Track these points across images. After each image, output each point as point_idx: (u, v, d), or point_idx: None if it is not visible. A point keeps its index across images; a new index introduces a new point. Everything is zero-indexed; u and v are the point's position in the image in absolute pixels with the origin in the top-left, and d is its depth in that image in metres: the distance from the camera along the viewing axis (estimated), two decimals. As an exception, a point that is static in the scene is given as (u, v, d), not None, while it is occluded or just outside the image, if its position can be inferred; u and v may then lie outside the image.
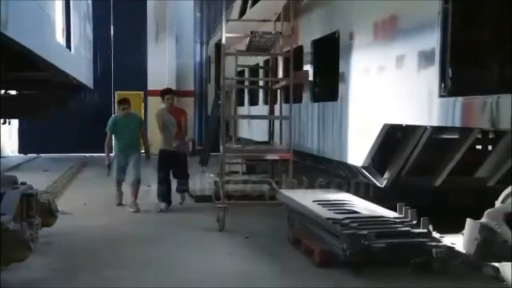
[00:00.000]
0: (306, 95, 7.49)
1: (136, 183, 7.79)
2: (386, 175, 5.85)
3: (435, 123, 4.29)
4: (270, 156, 7.05)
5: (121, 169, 7.90)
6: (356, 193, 6.31)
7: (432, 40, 4.23)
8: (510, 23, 4.02)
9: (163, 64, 17.49)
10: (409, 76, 4.66)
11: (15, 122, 16.17)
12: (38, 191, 5.03)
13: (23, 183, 5.09)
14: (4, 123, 7.16)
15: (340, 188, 6.68)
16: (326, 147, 6.78)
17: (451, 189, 5.95)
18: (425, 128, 5.15)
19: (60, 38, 5.19)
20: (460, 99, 3.90)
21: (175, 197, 8.10)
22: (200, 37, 18.90)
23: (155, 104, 17.44)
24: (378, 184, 5.90)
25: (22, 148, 17.60)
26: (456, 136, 5.58)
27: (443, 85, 4.14)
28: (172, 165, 7.83)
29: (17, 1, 2.70)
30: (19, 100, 5.31)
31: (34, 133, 16.85)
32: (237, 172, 10.67)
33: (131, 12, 17.58)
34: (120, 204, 7.99)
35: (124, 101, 7.94)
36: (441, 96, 4.16)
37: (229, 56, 7.48)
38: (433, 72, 4.24)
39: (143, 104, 17.78)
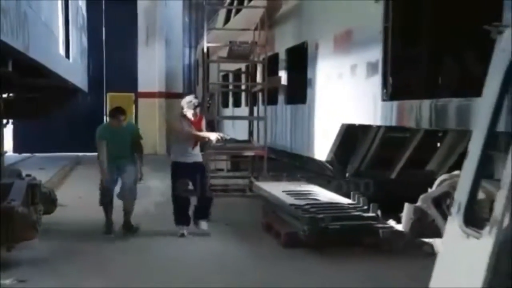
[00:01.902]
0: (281, 98, 8.28)
1: (133, 202, 6.47)
2: (348, 168, 6.64)
3: (378, 122, 5.09)
4: (247, 153, 7.84)
5: (110, 186, 6.36)
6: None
7: (376, 53, 5.03)
8: (441, 40, 4.83)
9: (153, 67, 18.24)
10: (360, 83, 5.46)
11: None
12: (41, 182, 5.79)
13: (28, 175, 5.87)
14: (7, 123, 7.79)
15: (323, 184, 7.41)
16: (298, 145, 7.57)
17: (405, 181, 6.74)
18: (378, 127, 5.94)
19: (61, 49, 5.96)
20: (395, 103, 4.70)
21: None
22: (189, 41, 19.68)
23: (146, 105, 18.36)
24: (340, 176, 6.70)
25: (16, 148, 18.26)
26: (406, 135, 6.37)
27: (384, 91, 4.94)
28: (191, 179, 6.30)
29: (32, 27, 3.45)
30: (23, 103, 6.02)
31: (28, 133, 17.52)
32: (222, 170, 11.47)
33: (123, 17, 18.30)
34: (108, 232, 6.31)
35: (119, 111, 6.50)
36: (383, 100, 4.96)
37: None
38: (377, 80, 5.04)
39: (134, 105, 18.54)
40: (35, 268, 4.86)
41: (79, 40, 7.72)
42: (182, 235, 6.21)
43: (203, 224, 6.31)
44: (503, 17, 3.24)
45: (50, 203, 6.18)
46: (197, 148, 6.42)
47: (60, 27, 5.69)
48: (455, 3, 4.56)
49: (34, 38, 3.51)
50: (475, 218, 2.86)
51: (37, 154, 17.57)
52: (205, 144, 7.12)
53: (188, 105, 6.25)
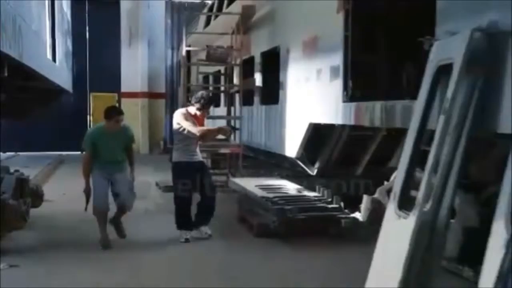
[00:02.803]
0: (256, 99, 8.77)
1: (124, 210, 5.90)
2: (317, 165, 7.15)
3: (340, 122, 5.60)
4: (224, 150, 8.30)
5: (103, 194, 5.65)
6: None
7: (338, 59, 5.54)
8: (396, 48, 5.35)
9: (136, 67, 18.62)
10: (324, 86, 5.96)
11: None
12: (28, 177, 6.21)
13: (16, 171, 6.28)
14: (-1, 123, 8.15)
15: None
16: (271, 143, 8.06)
17: (369, 176, 7.27)
18: (343, 126, 6.45)
19: (48, 54, 6.39)
20: (353, 104, 5.21)
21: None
22: (171, 42, 20.06)
23: (128, 105, 18.69)
24: (310, 172, 7.21)
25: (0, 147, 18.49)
26: (370, 133, 6.90)
27: (345, 93, 5.45)
28: (194, 180, 5.91)
29: (25, 37, 3.89)
30: (10, 104, 6.42)
31: (11, 133, 17.78)
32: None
33: (106, 18, 18.66)
34: (106, 246, 5.62)
35: (117, 111, 5.79)
36: (344, 101, 5.47)
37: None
38: (339, 83, 5.55)
39: (116, 105, 18.87)
40: (25, 255, 5.27)
41: (64, 44, 8.14)
42: (187, 240, 5.85)
43: (206, 229, 6.00)
44: (435, 31, 3.75)
45: (37, 197, 6.60)
46: (198, 147, 6.10)
47: (47, 34, 6.13)
48: (402, 17, 5.08)
49: (26, 46, 3.96)
50: (407, 204, 3.37)
51: (21, 153, 17.84)
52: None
53: (196, 100, 5.91)
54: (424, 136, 3.55)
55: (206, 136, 6.08)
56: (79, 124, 18.54)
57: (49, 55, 6.36)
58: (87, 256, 5.35)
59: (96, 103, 19.13)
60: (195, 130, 5.82)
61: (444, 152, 3.24)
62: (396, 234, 3.26)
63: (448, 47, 3.33)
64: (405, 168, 3.49)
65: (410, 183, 3.48)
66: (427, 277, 3.15)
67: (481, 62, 3.11)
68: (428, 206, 3.14)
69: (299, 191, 6.57)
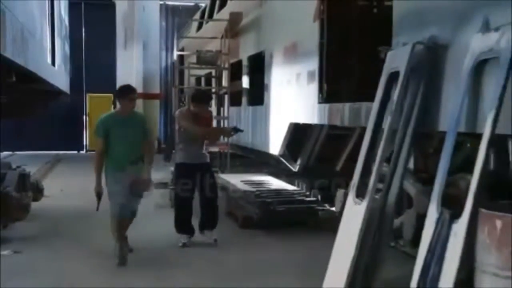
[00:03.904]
0: (244, 100, 9.28)
1: (131, 216, 5.20)
2: (298, 162, 7.66)
3: (316, 121, 6.12)
4: (212, 148, 8.80)
5: (122, 199, 4.98)
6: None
7: (314, 64, 6.05)
8: (367, 54, 5.85)
9: (131, 68, 19.07)
10: (303, 88, 6.47)
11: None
12: (30, 173, 6.71)
13: (18, 167, 6.78)
14: (-1, 123, 8.63)
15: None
16: (258, 141, 8.56)
17: (347, 173, 7.78)
18: (322, 125, 6.95)
19: (48, 58, 6.89)
20: (327, 105, 5.73)
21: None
22: (166, 44, 20.56)
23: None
24: (292, 169, 7.72)
25: (-4, 146, 18.93)
26: (347, 132, 7.41)
27: (320, 95, 5.96)
28: (196, 182, 5.68)
29: (30, 45, 4.39)
30: (13, 104, 6.92)
31: (8, 132, 18.22)
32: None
33: (101, 20, 19.13)
34: (123, 262, 4.95)
35: (130, 88, 5.26)
36: (319, 103, 5.98)
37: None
38: (315, 86, 6.06)
39: (112, 106, 19.36)
40: (27, 243, 5.77)
41: (62, 48, 8.65)
42: (184, 245, 5.64)
43: (212, 233, 5.80)
44: (392, 42, 4.27)
45: (37, 191, 7.09)
46: (204, 148, 5.87)
47: (48, 41, 6.64)
48: (373, 27, 5.60)
49: (30, 54, 4.48)
50: (363, 192, 3.88)
51: (18, 152, 18.27)
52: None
53: (189, 97, 5.77)
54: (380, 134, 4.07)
55: (210, 137, 5.94)
56: (75, 124, 19.05)
57: (49, 60, 6.88)
58: (84, 244, 5.86)
59: (92, 103, 19.63)
60: (194, 130, 5.64)
61: (392, 147, 3.77)
62: (353, 218, 3.78)
63: (397, 57, 3.85)
64: (362, 162, 4.01)
65: (366, 175, 4.00)
66: (376, 253, 3.67)
67: (422, 70, 3.63)
68: (378, 194, 3.67)
69: (280, 186, 7.09)
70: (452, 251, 2.90)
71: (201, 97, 6.00)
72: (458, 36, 3.42)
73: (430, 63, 3.59)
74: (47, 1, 6.78)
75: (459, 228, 2.89)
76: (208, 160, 5.95)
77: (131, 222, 5.26)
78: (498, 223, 2.65)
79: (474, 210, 2.83)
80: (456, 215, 2.97)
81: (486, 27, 3.07)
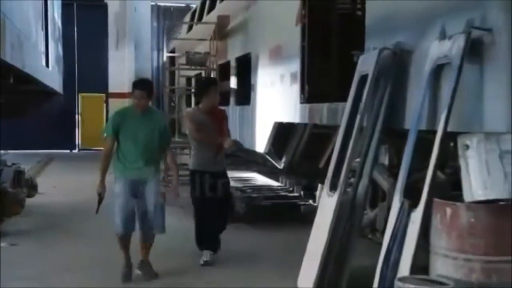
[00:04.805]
0: (232, 100, 9.59)
1: (152, 235, 4.63)
2: (283, 159, 7.99)
3: (298, 120, 6.45)
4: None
5: (128, 211, 4.48)
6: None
7: (297, 66, 6.37)
8: (346, 57, 6.18)
9: (123, 68, 19.34)
10: (286, 89, 6.79)
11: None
12: (24, 170, 6.99)
13: (14, 164, 7.06)
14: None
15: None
16: (244, 140, 8.87)
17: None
18: (305, 124, 7.27)
19: (43, 60, 7.18)
20: (308, 105, 6.05)
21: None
22: (157, 44, 20.84)
23: (116, 105, 19.32)
24: (278, 166, 8.04)
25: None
26: (328, 131, 7.74)
27: (302, 96, 6.29)
28: (212, 191, 5.16)
29: (26, 50, 4.68)
30: (8, 104, 7.19)
31: (1, 132, 18.40)
32: (186, 164, 12.75)
33: (93, 21, 19.37)
34: (128, 278, 4.59)
35: (144, 84, 4.63)
36: (301, 103, 6.31)
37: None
38: (297, 87, 6.38)
39: (104, 105, 19.64)
40: (22, 236, 6.06)
41: (56, 50, 8.93)
42: (206, 263, 5.04)
43: (209, 254, 5.12)
44: (365, 46, 4.60)
45: (32, 188, 7.38)
46: (221, 153, 5.25)
47: (42, 43, 6.93)
48: (351, 31, 5.91)
49: (27, 57, 4.76)
50: (336, 186, 4.20)
51: (10, 151, 18.45)
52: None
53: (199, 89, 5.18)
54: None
55: (208, 141, 5.17)
56: (68, 124, 19.28)
57: (43, 62, 7.17)
58: (77, 237, 6.15)
59: (85, 103, 19.88)
60: (197, 137, 5.11)
61: (362, 144, 4.10)
62: (326, 209, 4.11)
63: (366, 61, 4.18)
64: (336, 158, 4.34)
65: (340, 170, 4.32)
66: (347, 241, 4.00)
67: (389, 73, 3.96)
68: (348, 187, 4.00)
69: (265, 182, 7.42)
70: (410, 237, 3.23)
71: (208, 83, 5.48)
72: (420, 43, 3.75)
73: (396, 66, 3.92)
74: (41, 4, 7.07)
75: (416, 216, 3.22)
76: (225, 167, 5.35)
77: (153, 240, 4.64)
78: (448, 211, 2.98)
79: (429, 200, 3.16)
80: (414, 205, 3.31)
81: (442, 36, 3.40)
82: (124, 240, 4.59)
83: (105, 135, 4.52)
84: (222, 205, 5.28)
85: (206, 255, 5.11)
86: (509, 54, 2.97)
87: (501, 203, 2.83)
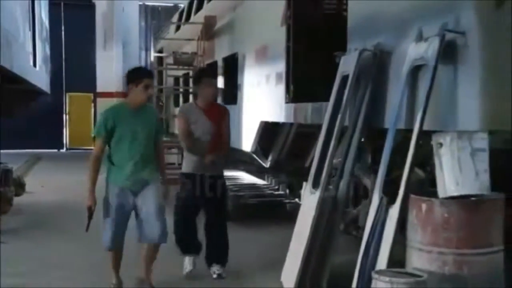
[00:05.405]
0: (219, 99, 9.68)
1: (157, 244, 4.13)
2: (270, 158, 8.10)
3: (283, 120, 6.56)
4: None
5: (118, 224, 3.98)
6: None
7: (282, 66, 6.48)
8: (330, 57, 6.30)
9: (111, 68, 19.34)
10: (272, 89, 6.90)
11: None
12: (12, 168, 7.04)
13: (1, 163, 7.10)
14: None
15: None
16: (232, 139, 8.95)
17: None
18: (291, 124, 7.39)
19: (30, 60, 7.23)
20: (293, 105, 6.17)
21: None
22: (145, 44, 20.87)
23: (104, 105, 19.22)
24: (264, 165, 8.15)
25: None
26: (313, 130, 7.85)
27: (287, 95, 6.40)
28: (202, 200, 4.61)
29: (14, 50, 4.73)
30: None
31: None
32: (173, 164, 12.83)
33: (81, 21, 19.37)
34: None
35: (146, 72, 4.19)
36: (286, 102, 6.42)
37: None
38: (283, 87, 6.50)
39: (92, 105, 19.64)
40: (11, 234, 6.11)
41: (43, 50, 8.97)
42: (190, 272, 4.64)
43: (218, 268, 4.65)
44: (347, 47, 4.72)
45: (20, 187, 7.43)
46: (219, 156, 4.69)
47: (29, 44, 6.98)
48: (336, 32, 6.03)
49: (15, 57, 4.82)
50: (318, 183, 4.32)
51: (-3, 151, 18.44)
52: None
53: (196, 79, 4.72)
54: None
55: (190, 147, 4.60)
56: (55, 123, 19.26)
57: (30, 61, 7.21)
58: (65, 235, 6.22)
59: (72, 102, 19.86)
60: (184, 141, 4.59)
61: (343, 142, 4.23)
62: (309, 206, 4.22)
63: (347, 62, 4.31)
64: (318, 156, 4.46)
65: (322, 168, 4.43)
66: (329, 237, 4.12)
67: (369, 74, 4.09)
68: (330, 184, 4.12)
69: (252, 181, 7.53)
70: (388, 232, 3.35)
71: (199, 75, 4.98)
72: (399, 44, 3.87)
73: (376, 67, 4.05)
74: (28, 4, 7.11)
75: (394, 211, 3.34)
76: (222, 171, 4.74)
77: (157, 252, 4.15)
78: (424, 206, 3.11)
79: (405, 196, 3.28)
80: (393, 201, 3.43)
81: (419, 38, 3.53)
82: (117, 254, 4.05)
83: (95, 136, 3.91)
84: (215, 224, 4.71)
85: (188, 265, 4.67)
86: (480, 55, 3.10)
87: (472, 198, 2.96)
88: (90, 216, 3.88)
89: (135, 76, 4.01)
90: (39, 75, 8.19)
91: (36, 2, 7.90)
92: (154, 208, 4.00)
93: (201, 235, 4.81)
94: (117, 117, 3.93)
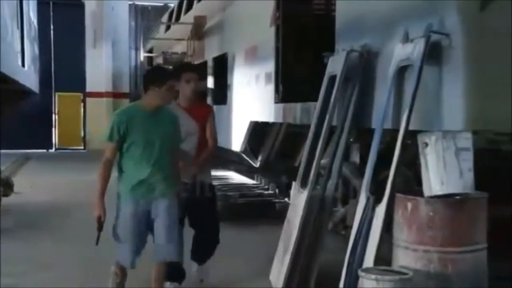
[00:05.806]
0: (209, 99, 9.70)
1: (167, 262, 3.75)
2: (259, 158, 8.13)
3: (273, 120, 6.59)
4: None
5: (136, 240, 3.61)
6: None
7: (271, 66, 6.51)
8: (319, 57, 6.34)
9: (100, 67, 19.28)
10: (261, 89, 6.93)
11: None
12: (0, 168, 7.01)
13: (-11, 164, 7.07)
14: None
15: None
16: (222, 139, 8.98)
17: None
18: (281, 123, 7.42)
19: (19, 60, 7.20)
20: (282, 105, 6.20)
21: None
22: (135, 43, 20.81)
23: (94, 105, 19.33)
24: (254, 164, 8.17)
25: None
26: (303, 130, 7.90)
27: (276, 95, 6.43)
28: (189, 209, 4.10)
29: (2, 51, 4.74)
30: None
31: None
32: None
33: (70, 20, 19.27)
34: None
35: (169, 73, 4.04)
36: (275, 102, 6.45)
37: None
38: (272, 87, 6.53)
39: (81, 104, 19.57)
40: (3, 235, 6.09)
41: (32, 50, 8.93)
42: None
43: (198, 269, 4.40)
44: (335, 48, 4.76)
45: (8, 187, 7.40)
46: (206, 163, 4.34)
47: (18, 43, 6.96)
48: (324, 32, 6.07)
49: (3, 57, 4.83)
50: (306, 182, 4.35)
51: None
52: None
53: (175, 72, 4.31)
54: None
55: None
56: (44, 123, 19.15)
57: (19, 61, 7.19)
58: (55, 235, 6.22)
59: (61, 102, 19.76)
60: None
61: (331, 142, 4.27)
62: (297, 205, 4.26)
63: (335, 62, 4.35)
64: (307, 156, 4.49)
65: (311, 168, 4.47)
66: (317, 236, 4.16)
67: (356, 74, 4.13)
68: (317, 183, 4.15)
69: (241, 180, 7.55)
70: (374, 230, 3.40)
71: (177, 69, 4.51)
72: (386, 45, 3.92)
73: (363, 68, 4.09)
74: (16, 4, 7.08)
75: (380, 210, 3.39)
76: (210, 179, 4.40)
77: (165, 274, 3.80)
78: (409, 205, 3.15)
79: (392, 195, 3.33)
80: (380, 200, 3.47)
81: (405, 39, 3.57)
82: (123, 271, 3.71)
83: (106, 141, 3.51)
84: (207, 236, 4.42)
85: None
86: (465, 56, 3.15)
87: (457, 197, 3.01)
88: (100, 228, 3.51)
89: (159, 76, 3.64)
90: (27, 75, 8.16)
91: (24, 2, 7.86)
92: (169, 224, 3.60)
93: (187, 258, 4.32)
94: (131, 120, 3.52)
